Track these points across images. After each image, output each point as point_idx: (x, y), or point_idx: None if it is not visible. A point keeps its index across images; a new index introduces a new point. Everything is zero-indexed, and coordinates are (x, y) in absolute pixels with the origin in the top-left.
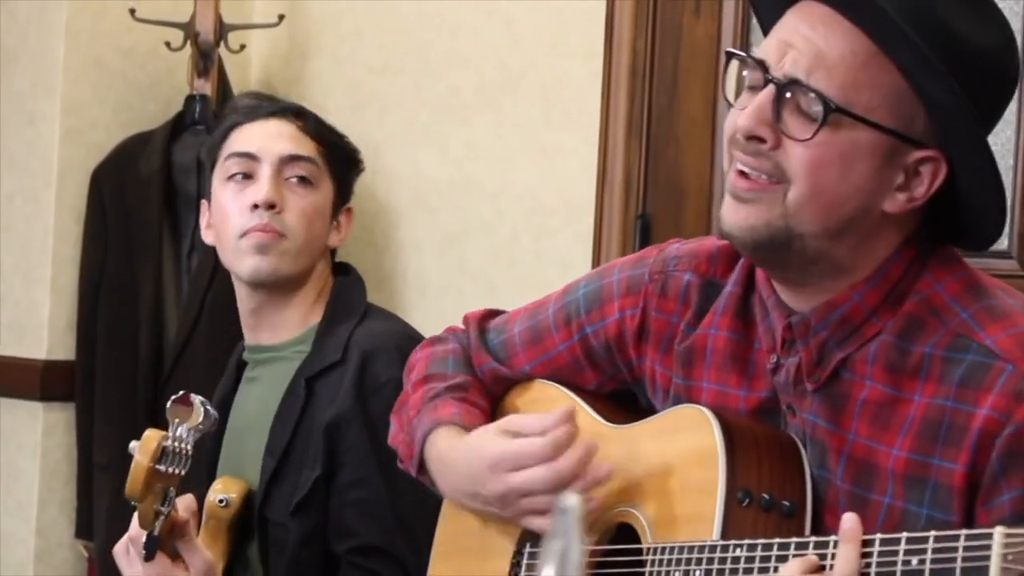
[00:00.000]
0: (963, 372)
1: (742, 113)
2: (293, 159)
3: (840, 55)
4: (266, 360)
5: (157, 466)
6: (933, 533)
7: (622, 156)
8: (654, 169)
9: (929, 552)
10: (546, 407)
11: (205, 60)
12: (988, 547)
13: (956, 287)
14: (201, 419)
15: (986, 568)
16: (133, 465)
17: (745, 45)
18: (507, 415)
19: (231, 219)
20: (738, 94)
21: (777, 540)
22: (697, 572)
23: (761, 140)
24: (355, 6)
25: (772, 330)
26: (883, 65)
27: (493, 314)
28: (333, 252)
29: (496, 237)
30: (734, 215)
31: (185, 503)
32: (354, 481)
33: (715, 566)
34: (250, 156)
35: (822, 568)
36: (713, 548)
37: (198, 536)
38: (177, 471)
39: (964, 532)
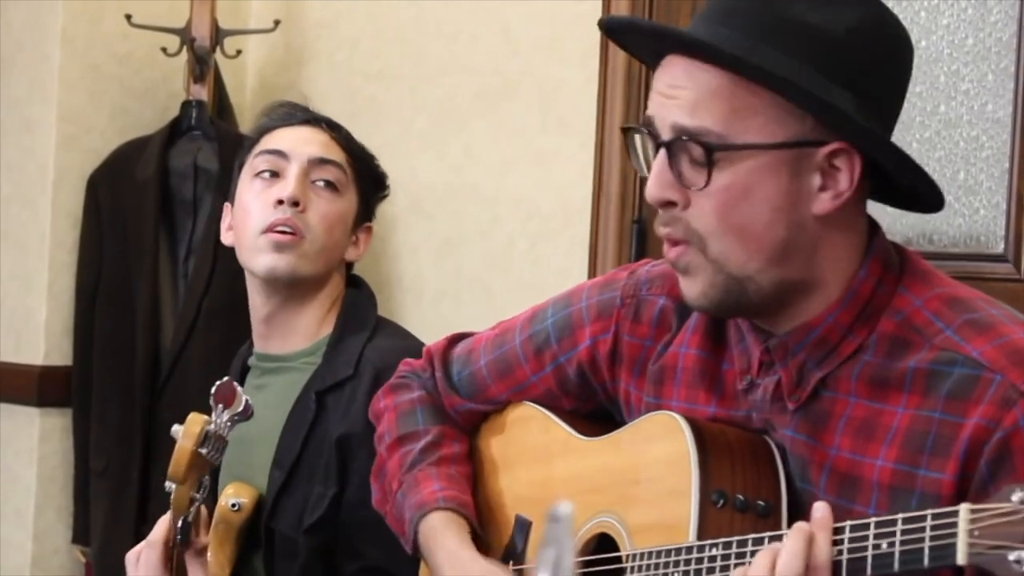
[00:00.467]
0: (951, 385)
1: (648, 183)
2: (322, 162)
3: (709, 95)
4: (275, 369)
5: (200, 450)
6: (901, 515)
7: (618, 162)
8: None
9: (898, 535)
10: (523, 427)
11: (201, 66)
12: (955, 524)
13: (936, 303)
14: (242, 407)
15: (953, 545)
16: (177, 448)
17: None
18: (489, 440)
19: (253, 215)
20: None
21: (751, 536)
22: (675, 574)
23: (672, 203)
24: (351, 12)
25: (748, 353)
26: (751, 88)
27: (455, 342)
28: (349, 267)
29: (493, 242)
30: (686, 287)
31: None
32: (364, 500)
33: (692, 567)
34: (280, 154)
35: None
36: (689, 550)
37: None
38: (215, 458)
39: (931, 512)
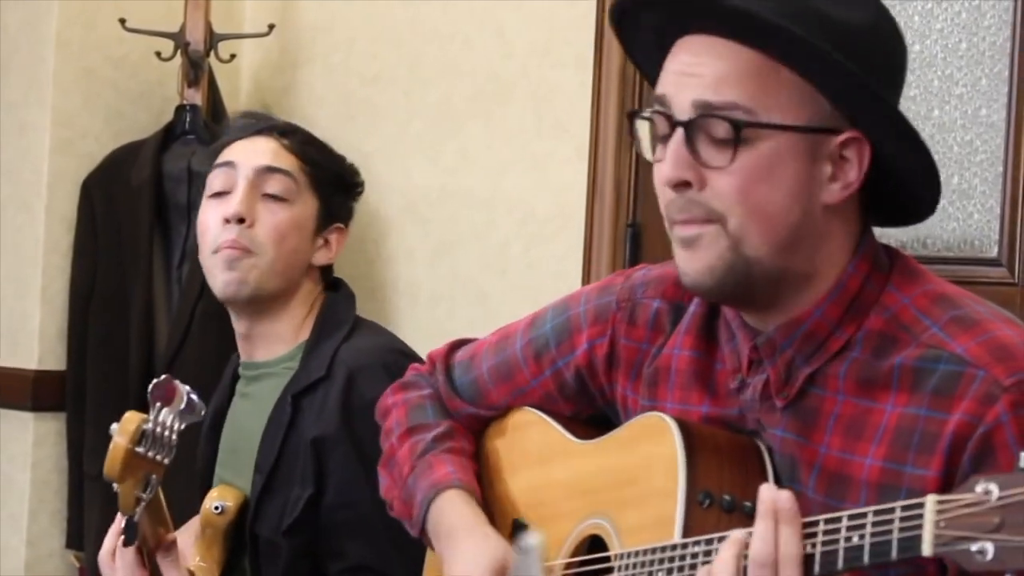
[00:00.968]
0: (936, 382)
1: (663, 164)
2: (268, 171)
3: (734, 72)
4: (258, 376)
5: (136, 448)
6: (871, 508)
7: (612, 165)
8: (644, 178)
9: (868, 527)
10: (524, 432)
11: (195, 70)
12: (921, 516)
13: (924, 300)
14: (184, 404)
15: (919, 537)
16: (112, 445)
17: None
18: (492, 446)
19: (207, 235)
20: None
21: (731, 532)
22: (660, 572)
23: (687, 184)
24: (346, 15)
25: (738, 352)
26: (773, 69)
27: (456, 347)
28: (326, 269)
29: (487, 246)
30: (689, 263)
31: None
32: (343, 502)
33: (675, 564)
34: (230, 165)
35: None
36: (673, 548)
37: (194, 545)
38: (160, 458)
39: (900, 504)
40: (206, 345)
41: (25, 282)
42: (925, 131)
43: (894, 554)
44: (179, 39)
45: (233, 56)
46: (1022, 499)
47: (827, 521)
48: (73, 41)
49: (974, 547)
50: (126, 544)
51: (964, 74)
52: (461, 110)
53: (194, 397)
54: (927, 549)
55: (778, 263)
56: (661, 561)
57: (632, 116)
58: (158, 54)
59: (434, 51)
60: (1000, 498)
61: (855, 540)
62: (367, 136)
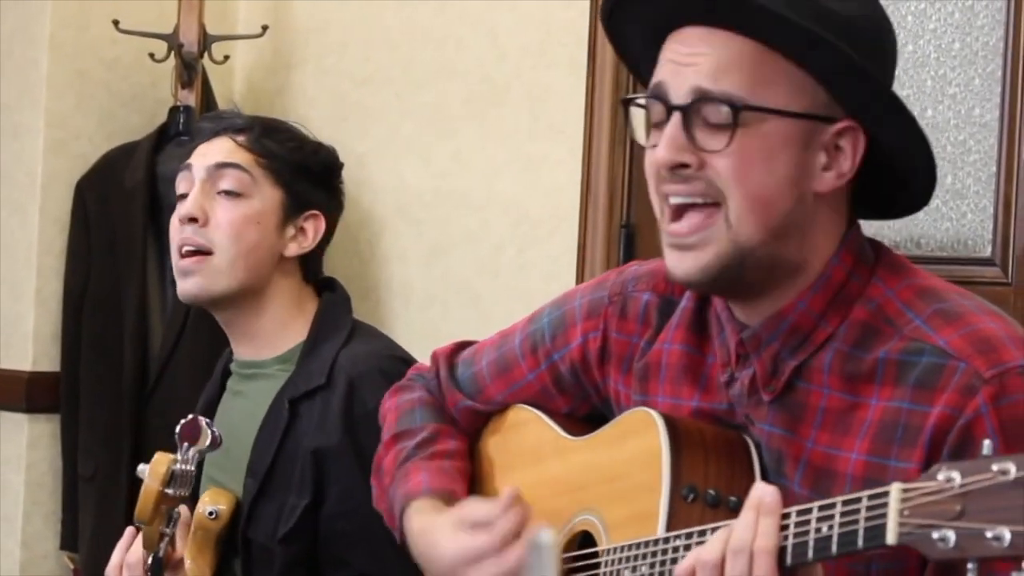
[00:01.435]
0: (918, 374)
1: (658, 148)
2: (220, 167)
3: (732, 60)
4: (251, 376)
5: (166, 490)
6: (840, 498)
7: (606, 167)
8: (638, 179)
9: (837, 517)
10: (519, 430)
11: (189, 71)
12: (886, 505)
13: (908, 293)
14: (209, 442)
15: (884, 526)
16: (144, 489)
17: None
18: (489, 445)
19: (172, 240)
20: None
21: (711, 526)
22: (643, 567)
23: (685, 166)
24: (339, 17)
25: (727, 345)
26: (770, 58)
27: (462, 347)
28: (307, 262)
29: (481, 248)
30: (682, 263)
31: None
32: (345, 512)
33: (658, 558)
34: (187, 168)
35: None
36: (656, 542)
37: (185, 547)
38: (182, 493)
39: (867, 493)
40: (200, 346)
41: (19, 284)
42: None
43: (860, 543)
44: (172, 40)
45: (227, 57)
46: (983, 486)
47: (799, 512)
48: (66, 43)
49: (936, 535)
50: None
51: (957, 74)
52: (454, 112)
53: (215, 431)
54: (891, 538)
55: (770, 251)
56: (644, 556)
57: (627, 102)
58: (151, 55)
59: (427, 53)
60: (962, 485)
61: (824, 530)
62: (360, 138)
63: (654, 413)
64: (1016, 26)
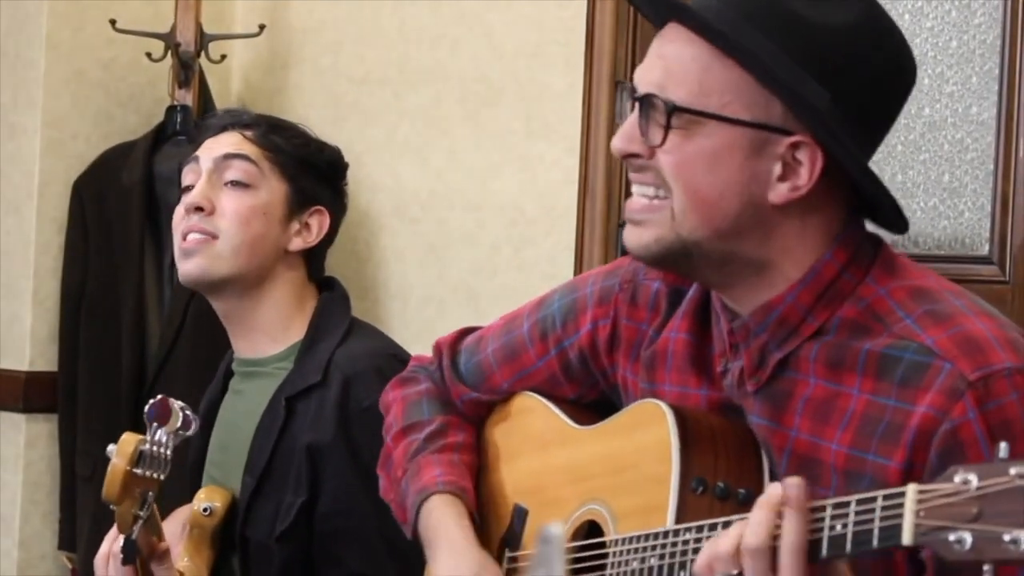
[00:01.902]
0: (903, 371)
1: (616, 133)
2: (227, 157)
3: (684, 64)
4: (251, 374)
5: (134, 470)
6: (855, 497)
7: (603, 165)
8: None
9: (851, 515)
10: (525, 418)
11: (186, 71)
12: (902, 505)
13: (901, 293)
14: (180, 423)
15: (900, 526)
16: (110, 468)
17: None
18: (494, 432)
19: (175, 228)
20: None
21: (722, 520)
22: (652, 558)
23: (636, 155)
24: (336, 17)
25: (722, 334)
26: (725, 63)
27: (464, 334)
28: (311, 259)
29: (478, 247)
30: (630, 237)
31: (180, 517)
32: (340, 510)
33: (667, 550)
34: (194, 160)
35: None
36: (666, 534)
37: (182, 545)
38: (156, 475)
39: (882, 493)
40: (198, 346)
41: (16, 284)
42: (915, 129)
43: (875, 543)
44: (169, 40)
45: (224, 57)
46: (1000, 489)
47: (813, 510)
48: (63, 43)
49: (952, 537)
50: (125, 563)
51: (954, 72)
52: (451, 112)
53: (188, 413)
54: (907, 539)
55: (720, 248)
56: (654, 547)
57: (619, 85)
58: (148, 55)
59: (423, 53)
60: (979, 488)
61: (838, 528)
62: (357, 137)
63: (664, 405)
64: (1013, 24)
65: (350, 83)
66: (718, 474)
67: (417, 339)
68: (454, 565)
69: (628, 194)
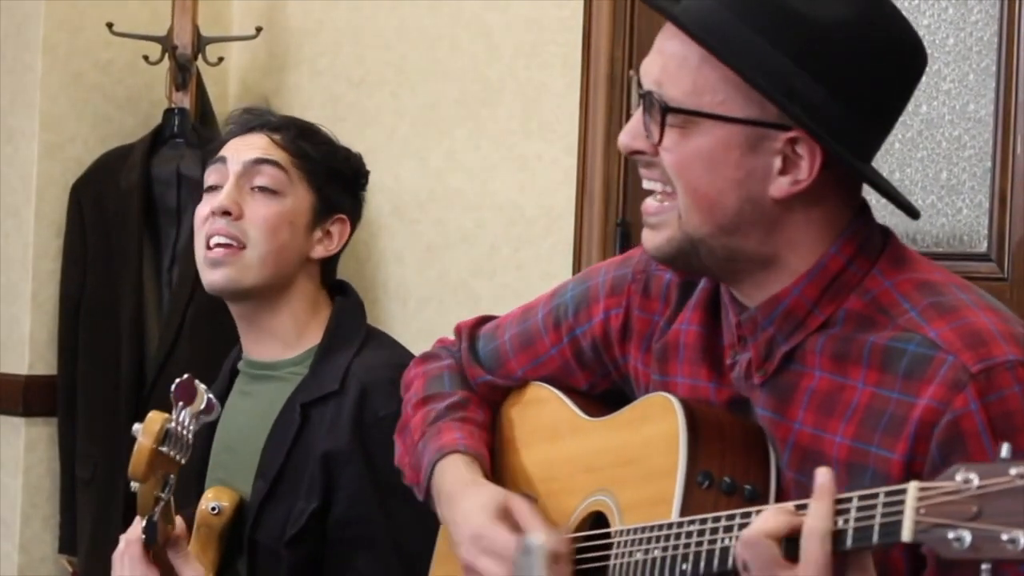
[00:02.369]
0: (907, 363)
1: (623, 130)
2: (257, 163)
3: (677, 63)
4: (261, 377)
5: (160, 448)
6: (857, 493)
7: (601, 165)
8: (633, 177)
9: (852, 512)
10: (537, 408)
11: (183, 73)
12: (902, 502)
13: (907, 285)
14: (204, 405)
15: (900, 523)
16: (137, 446)
17: None
18: (507, 419)
19: (198, 229)
20: None
21: (725, 513)
22: (656, 550)
23: (640, 152)
24: (333, 19)
25: (731, 327)
26: (715, 63)
27: (484, 321)
28: (327, 265)
29: (477, 247)
30: (646, 241)
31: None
32: (353, 517)
33: (671, 543)
34: (221, 160)
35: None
36: (670, 527)
37: (188, 546)
38: (179, 458)
39: (883, 490)
40: (197, 348)
41: (15, 287)
42: (913, 127)
43: (875, 539)
44: (166, 43)
45: (221, 59)
46: (1001, 489)
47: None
48: (60, 46)
49: (951, 534)
50: (147, 544)
51: (952, 69)
52: (449, 112)
53: (211, 397)
54: (907, 535)
55: (725, 244)
56: (658, 539)
57: (633, 76)
58: (146, 58)
59: (421, 53)
60: (980, 487)
61: (839, 524)
62: (355, 138)
63: (673, 398)
64: (1010, 21)
65: (348, 84)
66: (724, 469)
67: (417, 340)
68: (477, 502)
69: (626, 193)
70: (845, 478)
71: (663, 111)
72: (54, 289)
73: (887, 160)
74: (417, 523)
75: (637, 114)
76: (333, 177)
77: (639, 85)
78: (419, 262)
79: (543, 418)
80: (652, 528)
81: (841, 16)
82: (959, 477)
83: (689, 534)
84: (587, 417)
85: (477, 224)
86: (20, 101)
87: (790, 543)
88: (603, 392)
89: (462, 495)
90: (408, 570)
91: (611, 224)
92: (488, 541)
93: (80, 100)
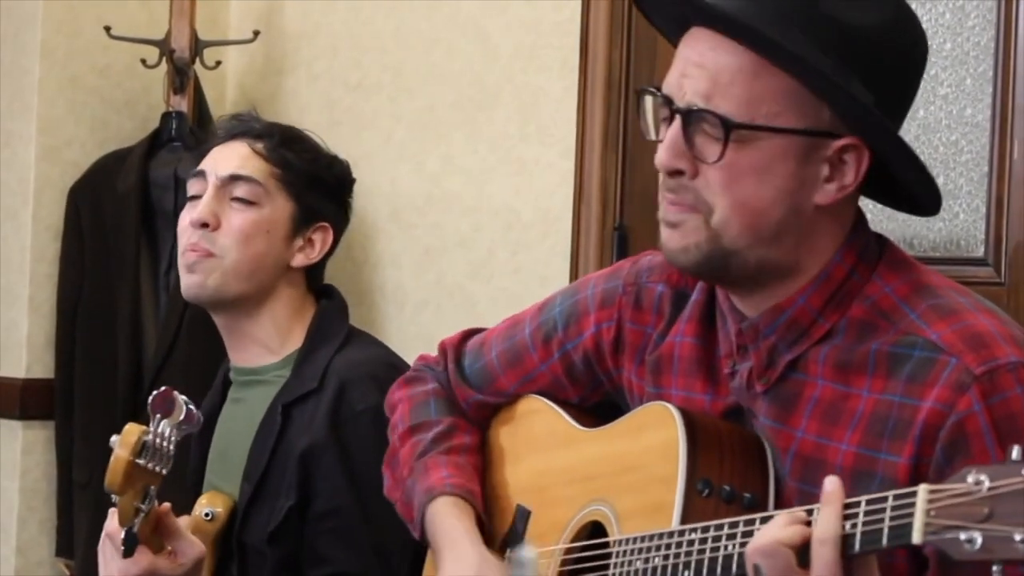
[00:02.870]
0: (911, 368)
1: (659, 149)
2: (233, 179)
3: (731, 74)
4: (249, 383)
5: (137, 460)
6: (865, 497)
7: (598, 169)
8: (631, 181)
9: (861, 515)
10: (530, 419)
11: (181, 77)
12: (913, 505)
13: (905, 289)
14: (183, 416)
15: (910, 525)
16: (113, 458)
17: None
18: (499, 432)
19: (180, 238)
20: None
21: (727, 521)
22: (656, 559)
23: (680, 172)
24: (330, 22)
25: (729, 336)
26: (772, 72)
27: (469, 336)
28: (312, 272)
29: (473, 252)
30: (669, 241)
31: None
32: (329, 510)
33: (672, 551)
34: (201, 174)
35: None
36: (671, 535)
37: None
38: (159, 469)
39: (892, 493)
40: (194, 352)
41: (12, 291)
42: (910, 132)
43: (885, 542)
44: (164, 46)
45: (218, 63)
46: (1012, 490)
47: (820, 511)
48: (58, 49)
49: (963, 536)
50: (125, 556)
51: (949, 74)
52: (446, 116)
53: (192, 408)
54: (917, 537)
55: (758, 255)
56: (658, 548)
57: (641, 92)
58: (143, 61)
59: (418, 57)
60: (991, 488)
61: (847, 528)
62: (352, 142)
63: (672, 407)
64: (1007, 26)
65: (345, 88)
66: (724, 477)
67: (413, 344)
68: (457, 566)
69: (623, 197)
70: (849, 486)
71: (726, 127)
72: (51, 292)
73: None
74: (394, 516)
75: (674, 131)
76: (315, 185)
77: (666, 101)
78: (416, 266)
79: (536, 430)
80: (653, 536)
81: (879, 21)
82: (970, 479)
83: (691, 542)
84: (582, 428)
85: (474, 228)
86: (18, 104)
87: (801, 549)
88: (594, 405)
89: (449, 552)
90: (385, 563)
91: (608, 228)
92: None
93: (78, 103)
